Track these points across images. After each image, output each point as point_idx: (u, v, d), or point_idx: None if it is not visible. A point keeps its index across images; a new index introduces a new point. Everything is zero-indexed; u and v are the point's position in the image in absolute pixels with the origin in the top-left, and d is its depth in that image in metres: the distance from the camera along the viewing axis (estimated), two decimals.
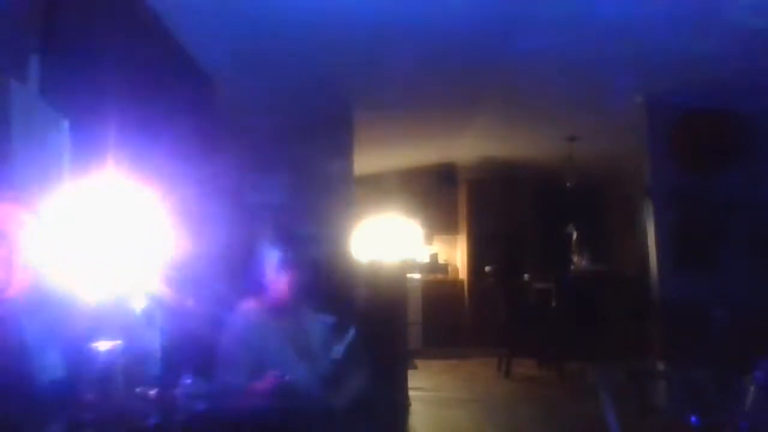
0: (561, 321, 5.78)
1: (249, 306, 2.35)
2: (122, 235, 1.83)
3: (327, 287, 2.67)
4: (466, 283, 7.72)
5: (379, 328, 2.94)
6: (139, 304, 1.91)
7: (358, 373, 2.31)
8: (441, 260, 8.00)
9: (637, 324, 5.65)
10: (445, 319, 7.29)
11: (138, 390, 1.75)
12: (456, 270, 8.01)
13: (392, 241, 7.49)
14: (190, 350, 2.08)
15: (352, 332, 2.38)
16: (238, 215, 3.31)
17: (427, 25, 3.35)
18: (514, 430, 3.94)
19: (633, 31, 3.47)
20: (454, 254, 8.12)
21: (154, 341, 1.95)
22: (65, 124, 1.84)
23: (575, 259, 6.53)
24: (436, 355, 6.54)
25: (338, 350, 2.34)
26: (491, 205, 7.65)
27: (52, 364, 1.63)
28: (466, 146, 6.76)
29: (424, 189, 7.78)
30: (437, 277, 7.82)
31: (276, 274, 2.33)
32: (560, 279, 6.09)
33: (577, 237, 6.58)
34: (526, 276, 6.47)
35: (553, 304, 6.00)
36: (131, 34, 2.52)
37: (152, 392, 1.77)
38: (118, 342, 1.67)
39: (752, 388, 1.90)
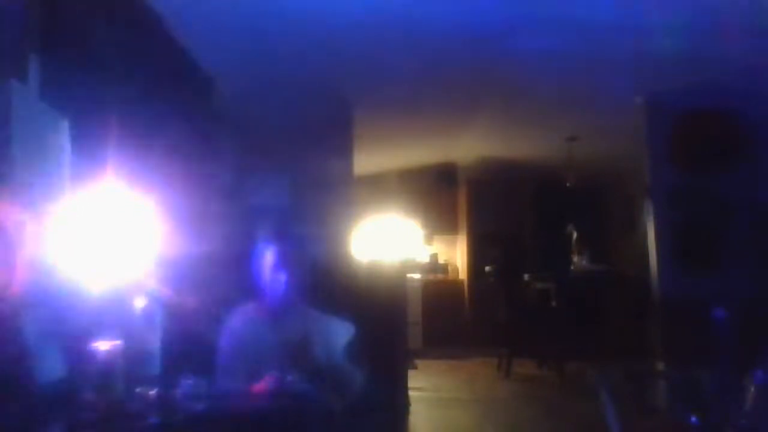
0: (561, 321, 5.78)
1: (248, 306, 2.35)
2: (122, 235, 1.83)
3: (327, 287, 2.67)
4: (466, 283, 7.71)
5: (379, 328, 2.94)
6: (139, 304, 1.91)
7: (358, 373, 2.30)
8: (441, 260, 8.00)
9: (637, 324, 5.65)
10: (445, 319, 7.29)
11: (138, 390, 1.75)
12: (456, 270, 8.01)
13: (392, 241, 7.49)
14: (190, 350, 2.08)
15: (351, 332, 2.38)
16: (237, 215, 3.32)
17: (427, 25, 3.35)
18: (514, 430, 3.94)
19: (633, 31, 3.47)
20: (454, 254, 8.12)
21: (154, 341, 1.96)
22: (65, 124, 1.84)
23: (575, 259, 6.53)
24: (436, 355, 6.53)
25: (338, 350, 2.34)
26: (491, 205, 7.65)
27: (52, 364, 1.63)
28: (466, 146, 6.76)
29: (424, 189, 7.78)
30: (437, 277, 7.82)
31: (275, 274, 2.33)
32: (560, 279, 6.09)
33: (577, 237, 6.58)
34: (526, 276, 6.47)
35: (553, 304, 6.00)
36: (131, 34, 2.52)
37: (152, 392, 1.77)
38: (118, 342, 1.67)
39: (752, 388, 1.90)
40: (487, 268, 6.41)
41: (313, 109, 4.66)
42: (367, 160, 6.01)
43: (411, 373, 4.51)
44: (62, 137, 1.83)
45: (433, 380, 5.36)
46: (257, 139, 4.65)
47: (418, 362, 5.91)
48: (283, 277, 2.33)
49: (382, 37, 3.50)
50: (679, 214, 4.66)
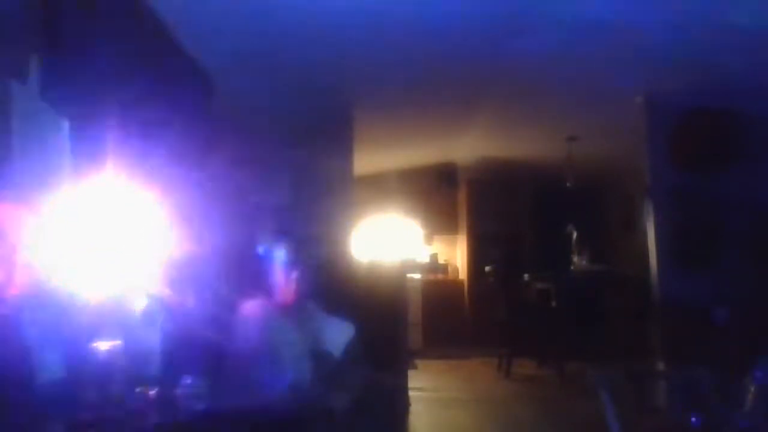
0: (561, 321, 5.78)
1: (249, 306, 2.35)
2: (122, 235, 1.83)
3: (327, 287, 2.67)
4: (466, 283, 7.72)
5: (379, 328, 2.94)
6: (139, 304, 1.91)
7: (358, 373, 2.31)
8: (441, 260, 8.00)
9: (637, 324, 5.65)
10: (445, 319, 7.29)
11: (138, 390, 1.75)
12: (456, 270, 8.01)
13: (392, 241, 7.49)
14: (190, 350, 2.08)
15: (352, 332, 2.38)
16: (238, 215, 3.32)
17: (427, 25, 3.35)
18: (514, 430, 3.94)
19: (633, 31, 3.47)
20: (454, 254, 8.12)
21: (154, 341, 1.96)
22: (65, 124, 1.84)
23: (575, 259, 6.53)
24: (436, 355, 6.53)
25: (338, 350, 2.34)
26: (491, 205, 7.65)
27: (52, 364, 1.63)
28: (466, 146, 6.76)
29: (424, 189, 7.79)
30: (437, 277, 7.82)
31: (276, 275, 2.33)
32: (560, 279, 6.09)
33: (577, 237, 6.58)
34: (526, 276, 6.47)
35: (553, 304, 6.00)
36: (131, 34, 2.52)
37: (152, 392, 1.77)
38: (118, 342, 1.67)
39: (752, 388, 1.90)
40: (487, 268, 6.41)
41: (313, 109, 4.66)
42: (367, 160, 6.00)
43: (411, 373, 4.51)
44: (62, 137, 1.82)
45: (433, 380, 5.36)
46: (257, 140, 4.65)
47: (418, 362, 5.91)
48: (283, 278, 2.33)
49: (382, 36, 3.50)
50: (679, 214, 4.66)
